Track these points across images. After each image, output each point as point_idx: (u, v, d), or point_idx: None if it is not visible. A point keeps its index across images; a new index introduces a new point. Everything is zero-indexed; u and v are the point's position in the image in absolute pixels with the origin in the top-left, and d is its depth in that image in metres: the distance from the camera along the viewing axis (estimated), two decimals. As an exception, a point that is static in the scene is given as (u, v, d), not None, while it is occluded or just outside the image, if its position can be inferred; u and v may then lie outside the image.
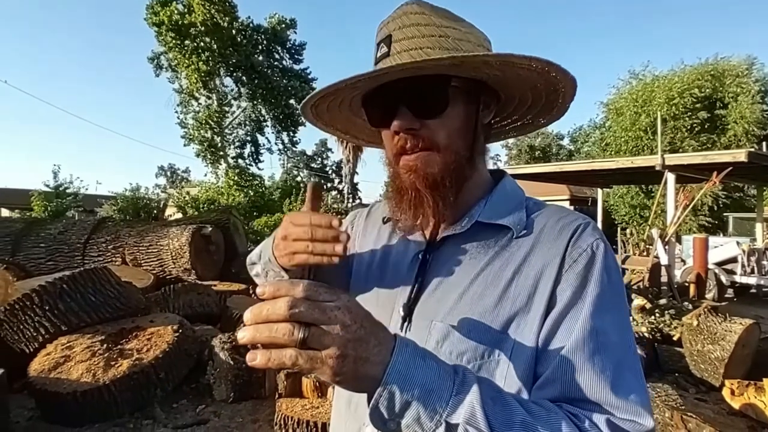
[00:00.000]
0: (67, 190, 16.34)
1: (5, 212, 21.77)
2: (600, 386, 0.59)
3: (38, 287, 3.54)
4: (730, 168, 7.65)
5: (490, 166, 0.81)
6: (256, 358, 0.47)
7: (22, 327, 3.47)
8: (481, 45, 0.70)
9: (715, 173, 7.37)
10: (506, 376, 0.63)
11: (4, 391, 3.01)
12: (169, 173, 54.68)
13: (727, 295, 9.24)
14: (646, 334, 4.58)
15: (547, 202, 0.75)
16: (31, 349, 3.44)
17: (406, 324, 0.70)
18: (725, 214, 12.41)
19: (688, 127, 17.47)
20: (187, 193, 15.71)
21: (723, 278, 8.99)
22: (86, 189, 18.73)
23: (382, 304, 0.75)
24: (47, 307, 3.50)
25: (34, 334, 3.47)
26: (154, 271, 6.02)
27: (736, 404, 3.44)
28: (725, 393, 3.58)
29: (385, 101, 0.69)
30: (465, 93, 0.70)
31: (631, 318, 5.03)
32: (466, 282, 0.68)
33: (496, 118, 0.82)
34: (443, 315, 0.67)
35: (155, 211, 14.21)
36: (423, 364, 0.53)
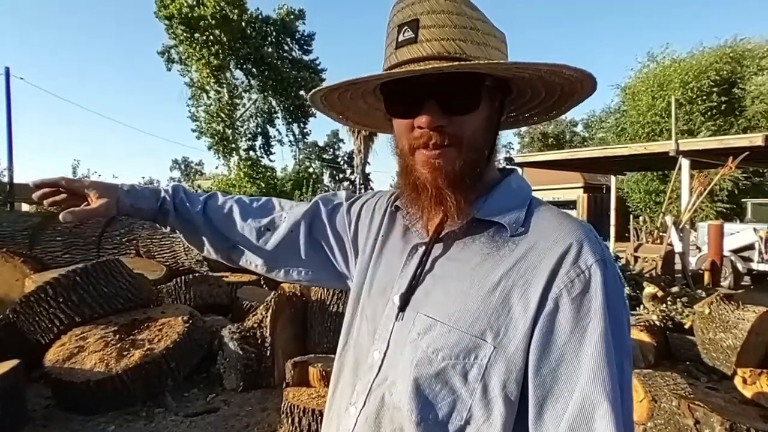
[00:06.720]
0: (84, 185, 16.66)
1: (25, 207, 22.23)
2: None
3: (52, 280, 3.62)
4: (747, 152, 7.47)
5: (503, 154, 0.80)
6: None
7: (37, 318, 3.56)
8: (503, 41, 0.69)
9: (730, 158, 7.21)
10: (481, 381, 0.62)
11: (22, 381, 3.10)
12: (183, 166, 55.26)
13: (743, 283, 9.08)
14: (657, 323, 4.53)
15: (552, 205, 0.73)
16: (47, 340, 3.53)
17: (400, 313, 0.70)
18: (743, 199, 12.12)
19: (703, 111, 17.21)
20: (199, 186, 15.87)
21: (739, 265, 8.83)
22: (102, 183, 19.08)
23: (380, 291, 0.76)
24: (61, 299, 3.58)
25: (49, 325, 3.55)
26: (168, 263, 6.10)
27: (748, 393, 3.38)
28: (737, 382, 3.52)
29: (412, 93, 0.65)
30: (492, 92, 0.68)
31: (642, 307, 4.97)
32: (455, 279, 0.67)
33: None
34: (429, 308, 0.67)
35: (169, 204, 14.41)
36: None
